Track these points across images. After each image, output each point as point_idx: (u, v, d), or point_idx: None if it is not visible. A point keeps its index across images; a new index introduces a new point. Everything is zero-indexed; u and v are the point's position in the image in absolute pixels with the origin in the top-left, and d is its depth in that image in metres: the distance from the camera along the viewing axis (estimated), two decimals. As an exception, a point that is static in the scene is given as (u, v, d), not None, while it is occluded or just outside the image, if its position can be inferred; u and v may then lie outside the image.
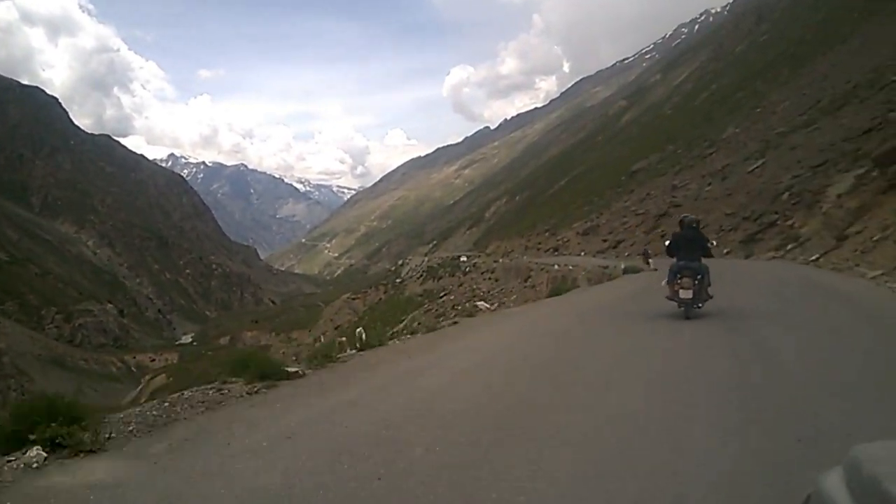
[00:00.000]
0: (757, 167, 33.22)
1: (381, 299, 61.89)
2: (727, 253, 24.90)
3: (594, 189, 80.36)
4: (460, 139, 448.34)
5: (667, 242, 10.84)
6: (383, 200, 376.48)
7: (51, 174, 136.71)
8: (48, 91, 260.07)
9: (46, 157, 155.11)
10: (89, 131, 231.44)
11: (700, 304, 9.80)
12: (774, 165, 31.62)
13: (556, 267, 30.25)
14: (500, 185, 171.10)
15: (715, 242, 11.17)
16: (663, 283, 10.42)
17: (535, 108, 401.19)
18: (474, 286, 41.21)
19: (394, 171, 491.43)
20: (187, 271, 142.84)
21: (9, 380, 56.09)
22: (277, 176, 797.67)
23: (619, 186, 65.97)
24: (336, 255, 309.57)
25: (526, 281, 33.47)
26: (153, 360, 77.32)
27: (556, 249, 50.47)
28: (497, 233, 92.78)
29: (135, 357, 78.37)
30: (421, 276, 56.60)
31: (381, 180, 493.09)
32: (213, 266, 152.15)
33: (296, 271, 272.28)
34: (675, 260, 10.13)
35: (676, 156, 59.80)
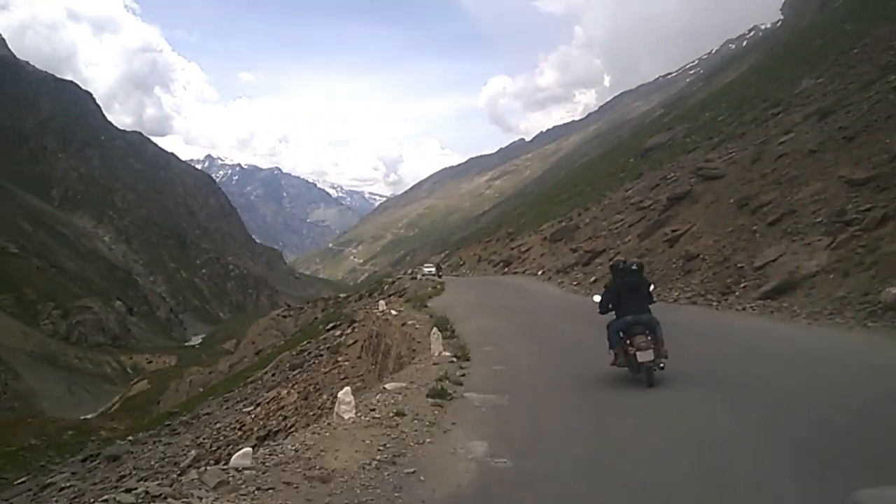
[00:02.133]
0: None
1: (315, 318, 57.33)
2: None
3: (588, 177, 70.54)
4: (495, 150, 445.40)
5: (596, 298, 8.77)
6: (412, 209, 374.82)
7: (73, 168, 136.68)
8: (91, 88, 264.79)
9: (76, 151, 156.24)
10: (130, 129, 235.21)
11: (662, 365, 7.70)
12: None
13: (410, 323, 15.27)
14: (528, 196, 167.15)
15: (653, 286, 8.89)
16: (607, 350, 8.16)
17: (572, 121, 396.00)
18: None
19: (425, 179, 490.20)
20: (203, 271, 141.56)
21: (-10, 376, 53.94)
22: (311, 180, 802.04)
23: (622, 171, 50.92)
24: (361, 261, 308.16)
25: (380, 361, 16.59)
26: (150, 361, 74.99)
27: (507, 263, 37.69)
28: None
29: (132, 358, 76.19)
30: (367, 293, 47.35)
31: (411, 188, 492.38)
32: (231, 267, 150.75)
33: (320, 276, 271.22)
34: (614, 317, 8.21)
35: (716, 124, 41.96)
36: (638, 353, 7.60)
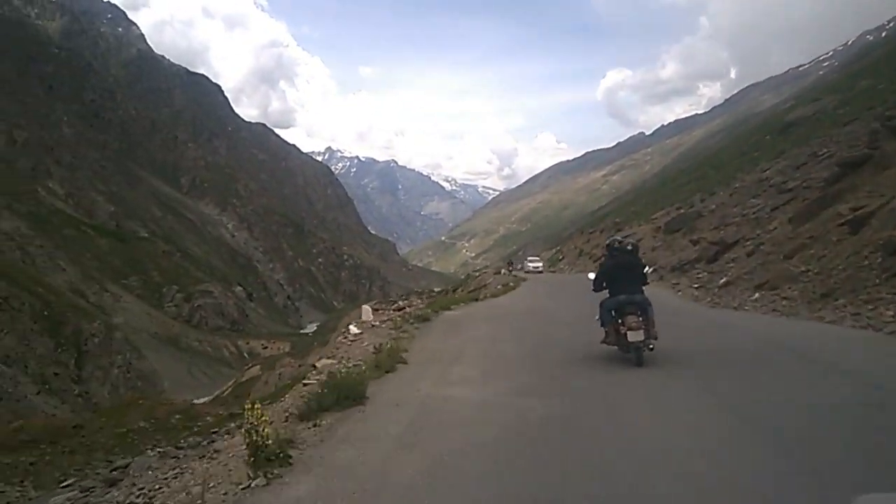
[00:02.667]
0: None
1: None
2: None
3: (713, 161, 63.49)
4: (612, 144, 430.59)
5: (591, 275, 8.70)
6: (525, 203, 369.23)
7: (201, 157, 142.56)
8: (221, 81, 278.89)
9: (205, 141, 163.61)
10: (256, 121, 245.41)
11: (651, 345, 7.62)
12: None
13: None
14: (648, 191, 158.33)
15: (649, 269, 8.98)
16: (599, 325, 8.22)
17: (696, 115, 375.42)
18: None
19: (539, 173, 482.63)
20: (319, 260, 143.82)
21: (115, 356, 55.05)
22: (425, 173, 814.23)
23: (755, 150, 43.70)
24: (473, 254, 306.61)
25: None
26: (265, 347, 75.58)
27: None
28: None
29: (248, 343, 77.11)
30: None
31: (525, 182, 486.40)
32: (345, 257, 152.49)
33: (432, 268, 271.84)
34: (607, 295, 8.20)
35: (876, 93, 34.35)
36: (629, 332, 7.61)
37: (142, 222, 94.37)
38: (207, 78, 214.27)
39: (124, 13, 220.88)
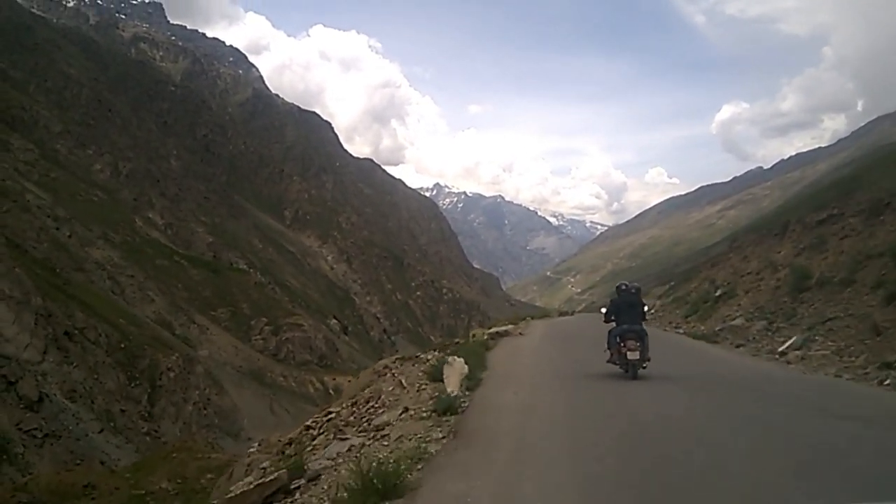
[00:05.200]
0: None
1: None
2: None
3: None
4: (728, 179, 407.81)
5: (603, 310, 11.80)
6: (635, 238, 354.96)
7: (305, 190, 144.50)
8: (335, 121, 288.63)
9: (312, 176, 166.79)
10: (368, 159, 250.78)
11: (645, 365, 10.65)
12: None
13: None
14: (769, 226, 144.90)
15: (648, 307, 11.91)
16: (605, 349, 11.25)
17: (819, 148, 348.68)
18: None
19: (650, 208, 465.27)
20: (418, 293, 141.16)
21: (192, 391, 53.07)
22: (532, 209, 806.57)
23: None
24: (579, 290, 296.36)
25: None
26: (350, 382, 72.43)
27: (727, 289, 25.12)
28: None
29: (335, 379, 74.01)
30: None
31: (634, 217, 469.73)
32: (444, 290, 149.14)
33: (536, 303, 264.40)
34: (613, 325, 11.18)
35: None
36: (628, 352, 10.51)
37: (241, 253, 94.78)
38: (318, 115, 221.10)
39: (245, 56, 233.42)
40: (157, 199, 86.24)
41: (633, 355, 10.39)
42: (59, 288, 48.60)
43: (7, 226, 51.32)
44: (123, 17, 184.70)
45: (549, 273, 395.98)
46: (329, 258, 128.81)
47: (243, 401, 61.59)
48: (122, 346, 49.15)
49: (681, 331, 22.53)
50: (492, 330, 21.66)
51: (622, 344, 10.58)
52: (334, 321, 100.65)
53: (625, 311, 10.99)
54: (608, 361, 11.05)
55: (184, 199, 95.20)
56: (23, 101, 79.21)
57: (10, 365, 35.96)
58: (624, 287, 11.47)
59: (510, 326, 23.18)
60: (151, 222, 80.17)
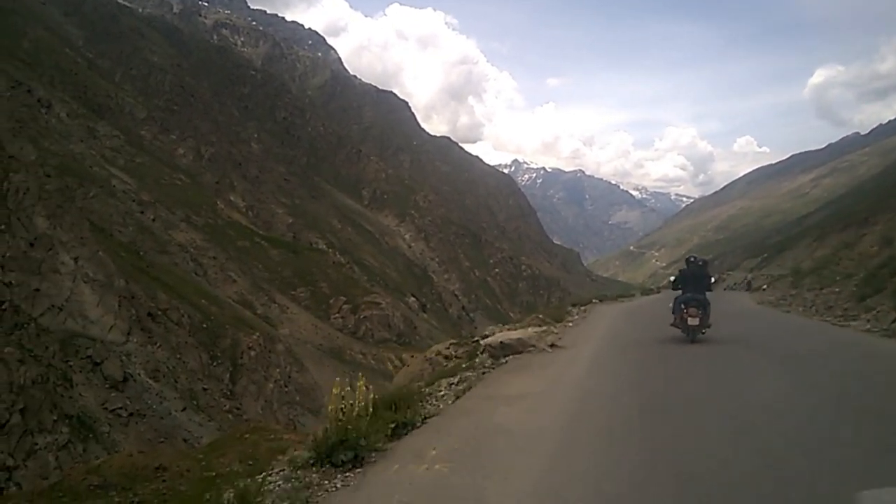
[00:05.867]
0: None
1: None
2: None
3: None
4: (822, 146, 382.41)
5: (672, 279, 13.02)
6: (723, 210, 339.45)
7: (383, 170, 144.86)
8: (412, 100, 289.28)
9: (390, 156, 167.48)
10: (445, 137, 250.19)
11: (704, 331, 11.69)
12: None
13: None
14: (868, 192, 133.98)
15: (714, 279, 13.05)
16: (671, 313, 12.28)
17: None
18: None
19: (738, 179, 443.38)
20: (496, 270, 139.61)
21: (273, 369, 53.80)
22: (613, 182, 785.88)
23: None
24: (664, 264, 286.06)
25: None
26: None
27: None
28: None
29: (413, 356, 73.91)
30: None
31: (722, 189, 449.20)
32: (523, 267, 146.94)
33: (619, 278, 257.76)
34: (680, 293, 12.17)
35: None
36: (689, 318, 11.48)
37: (320, 234, 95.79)
38: (395, 95, 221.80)
39: (324, 39, 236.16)
40: (238, 181, 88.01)
41: (693, 321, 11.44)
42: (143, 270, 49.91)
43: (94, 211, 53.12)
44: (206, 4, 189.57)
45: (632, 248, 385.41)
46: (407, 237, 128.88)
47: (324, 378, 62.00)
48: (205, 326, 50.14)
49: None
50: (491, 339, 12.39)
51: (685, 310, 11.60)
52: (413, 299, 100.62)
53: (691, 281, 12.06)
54: (671, 325, 12.21)
55: (264, 181, 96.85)
56: (109, 89, 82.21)
57: (95, 346, 37.00)
58: (692, 259, 12.61)
59: (538, 329, 13.79)
60: (233, 204, 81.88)
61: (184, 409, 40.90)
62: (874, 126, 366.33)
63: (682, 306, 11.66)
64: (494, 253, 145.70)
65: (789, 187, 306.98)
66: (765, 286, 32.48)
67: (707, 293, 12.07)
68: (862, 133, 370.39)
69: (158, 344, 43.14)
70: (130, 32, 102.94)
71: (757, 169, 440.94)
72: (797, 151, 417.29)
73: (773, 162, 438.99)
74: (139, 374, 38.84)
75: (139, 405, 36.64)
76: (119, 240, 53.06)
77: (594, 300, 30.22)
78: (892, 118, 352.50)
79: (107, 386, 36.04)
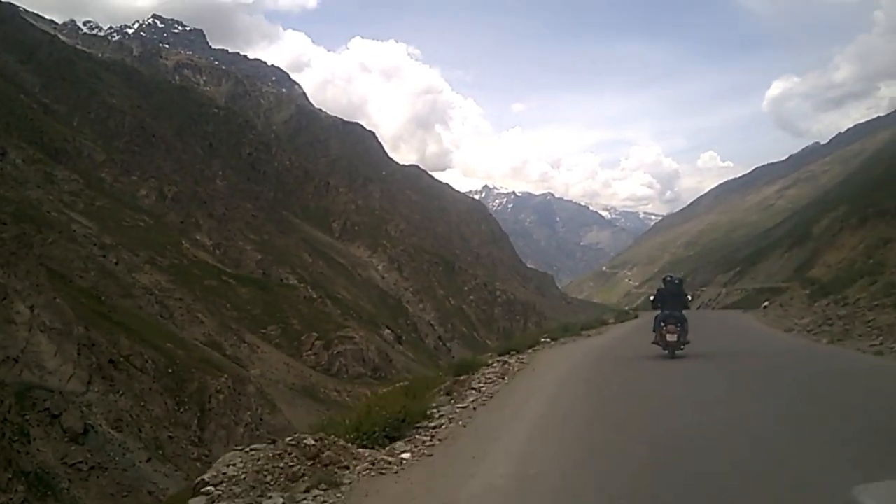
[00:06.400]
0: None
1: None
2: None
3: None
4: (784, 157, 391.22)
5: (651, 297, 13.77)
6: (691, 226, 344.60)
7: (352, 201, 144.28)
8: (379, 131, 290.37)
9: (359, 186, 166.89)
10: (414, 165, 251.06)
11: (682, 347, 12.39)
12: None
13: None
14: (833, 201, 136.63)
15: (691, 297, 14.18)
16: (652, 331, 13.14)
17: (878, 118, 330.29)
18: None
19: (704, 194, 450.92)
20: (471, 297, 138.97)
21: (243, 412, 52.17)
22: (583, 203, 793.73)
23: None
24: (636, 284, 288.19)
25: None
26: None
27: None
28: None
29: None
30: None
31: (689, 205, 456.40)
32: (498, 293, 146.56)
33: (593, 300, 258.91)
34: (659, 311, 12.96)
35: None
36: (668, 335, 12.16)
37: (291, 269, 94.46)
38: (362, 126, 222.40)
39: (288, 74, 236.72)
40: (204, 220, 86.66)
41: (671, 337, 12.08)
42: (105, 315, 48.33)
43: (53, 257, 51.53)
44: (167, 46, 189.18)
45: (604, 268, 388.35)
46: (380, 267, 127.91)
47: (298, 419, 60.29)
48: (170, 370, 48.49)
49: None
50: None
51: (665, 327, 12.25)
52: (388, 331, 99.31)
53: (669, 299, 12.74)
54: (653, 343, 12.83)
55: (231, 218, 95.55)
56: (66, 133, 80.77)
57: (53, 398, 35.37)
58: (668, 278, 13.54)
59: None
60: (199, 244, 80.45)
61: (149, 460, 39.20)
62: (833, 135, 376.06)
63: (662, 324, 12.37)
64: (469, 280, 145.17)
65: (755, 200, 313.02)
66: (766, 303, 30.26)
67: (685, 311, 13.06)
68: (822, 143, 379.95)
69: (121, 392, 41.49)
70: (87, 76, 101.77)
71: (722, 183, 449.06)
72: (760, 164, 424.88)
73: (738, 175, 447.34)
74: (100, 425, 37.17)
75: (101, 458, 34.98)
76: (80, 285, 51.47)
77: (544, 338, 19.69)
78: (850, 126, 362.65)
79: (66, 439, 34.40)
